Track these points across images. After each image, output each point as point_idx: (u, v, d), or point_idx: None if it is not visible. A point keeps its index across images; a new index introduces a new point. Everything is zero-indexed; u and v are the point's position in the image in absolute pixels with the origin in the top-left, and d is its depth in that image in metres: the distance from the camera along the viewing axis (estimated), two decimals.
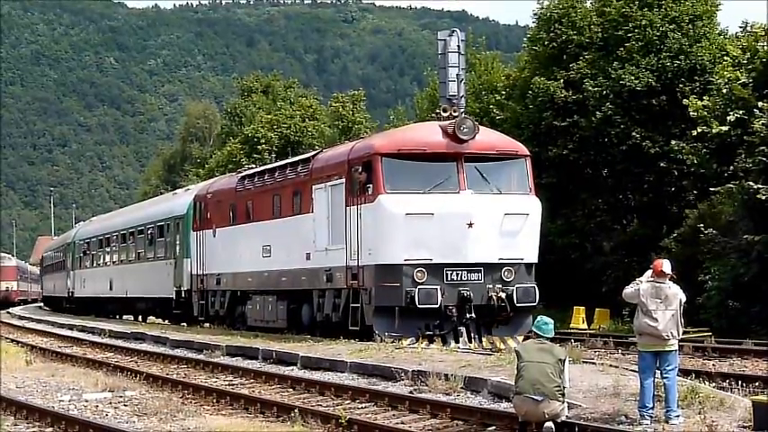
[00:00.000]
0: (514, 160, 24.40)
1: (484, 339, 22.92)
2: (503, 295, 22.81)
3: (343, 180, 24.50)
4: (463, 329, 22.74)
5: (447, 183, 23.19)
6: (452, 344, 22.36)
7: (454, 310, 22.65)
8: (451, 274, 22.76)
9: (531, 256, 23.65)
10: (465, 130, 23.34)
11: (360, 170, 23.43)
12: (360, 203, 23.65)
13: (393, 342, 22.05)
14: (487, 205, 23.13)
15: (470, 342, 22.61)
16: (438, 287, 22.41)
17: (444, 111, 25.41)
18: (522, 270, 23.41)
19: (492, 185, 23.58)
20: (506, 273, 23.13)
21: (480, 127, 24.31)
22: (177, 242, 37.71)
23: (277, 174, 29.28)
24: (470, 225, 22.74)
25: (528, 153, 24.91)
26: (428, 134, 23.92)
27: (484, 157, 23.65)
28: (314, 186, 26.13)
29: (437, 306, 22.37)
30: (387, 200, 22.88)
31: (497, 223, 23.09)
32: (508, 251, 23.18)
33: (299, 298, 27.52)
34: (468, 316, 22.70)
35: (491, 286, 22.92)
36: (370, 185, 23.34)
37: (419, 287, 22.30)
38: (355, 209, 23.82)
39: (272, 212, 28.88)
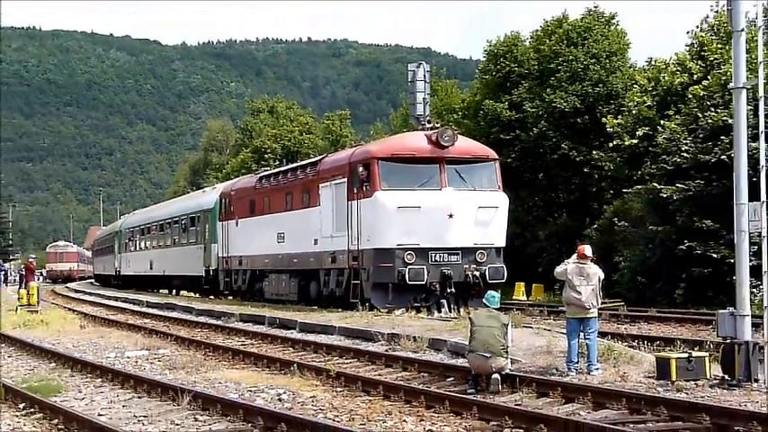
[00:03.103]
0: (486, 163, 23.96)
1: (461, 310, 22.53)
2: (477, 273, 22.41)
3: (346, 179, 23.98)
4: (444, 302, 22.46)
5: (431, 181, 22.79)
6: (436, 313, 22.04)
7: (437, 286, 22.31)
8: (435, 256, 22.37)
9: (500, 241, 23.24)
10: (446, 138, 23.02)
11: (362, 169, 22.97)
12: (359, 198, 23.21)
13: (387, 312, 21.72)
14: (464, 200, 22.76)
15: (450, 312, 22.25)
16: (424, 267, 22.02)
17: (429, 122, 25.22)
18: (492, 253, 22.97)
19: (468, 183, 23.18)
20: (480, 255, 22.70)
21: (458, 135, 23.99)
22: (206, 230, 37.22)
23: (290, 174, 28.68)
24: (451, 216, 22.39)
25: (497, 157, 24.51)
26: (416, 141, 23.46)
27: (461, 160, 23.28)
28: (320, 185, 25.59)
29: (423, 282, 22.01)
30: (382, 195, 22.50)
31: (473, 214, 22.70)
32: (482, 237, 22.79)
33: (307, 276, 26.98)
34: (448, 290, 22.39)
35: (467, 266, 22.50)
36: (368, 184, 22.94)
37: (409, 267, 21.93)
38: (356, 203, 23.37)
39: (286, 206, 28.31)
